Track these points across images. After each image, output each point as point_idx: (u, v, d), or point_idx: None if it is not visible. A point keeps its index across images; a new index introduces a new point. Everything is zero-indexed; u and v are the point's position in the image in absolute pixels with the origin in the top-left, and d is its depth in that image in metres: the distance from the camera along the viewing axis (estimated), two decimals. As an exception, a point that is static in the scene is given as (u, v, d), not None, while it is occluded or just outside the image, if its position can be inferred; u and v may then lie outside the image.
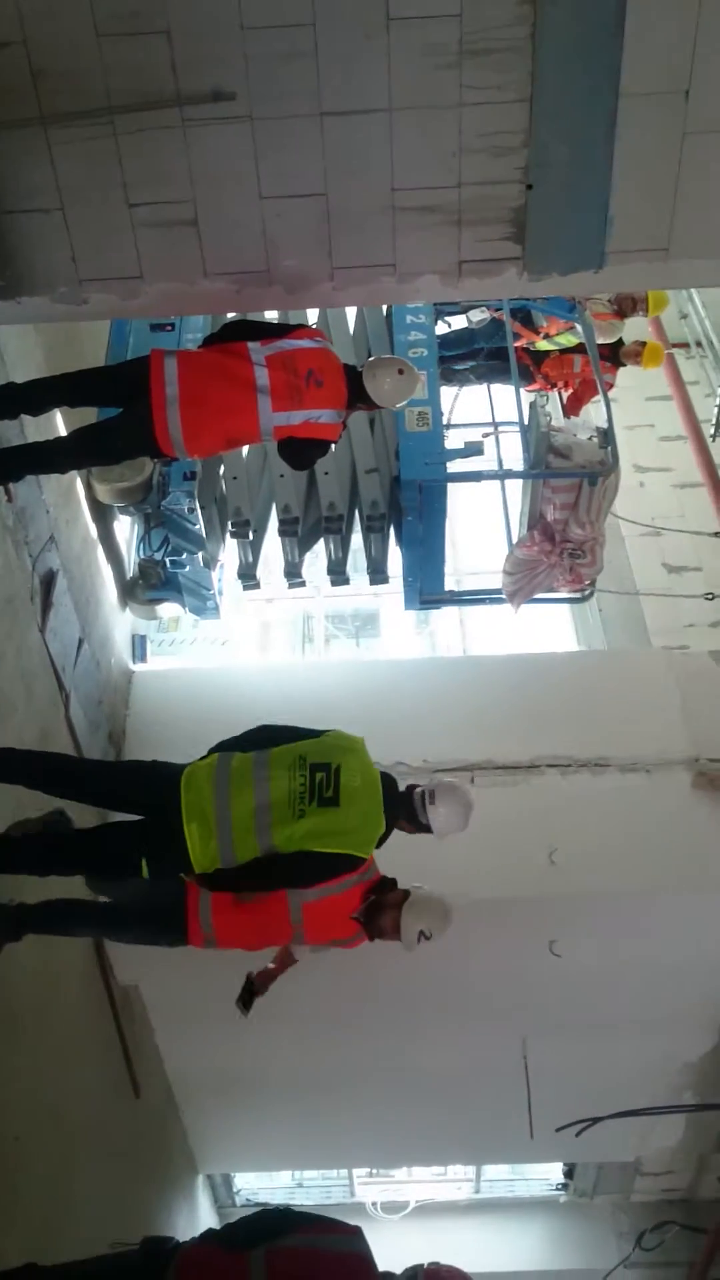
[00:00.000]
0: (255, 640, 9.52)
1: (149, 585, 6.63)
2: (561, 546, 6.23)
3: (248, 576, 6.78)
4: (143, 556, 6.56)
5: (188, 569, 6.55)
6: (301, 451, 4.73)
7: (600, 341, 7.49)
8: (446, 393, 7.42)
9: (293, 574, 6.76)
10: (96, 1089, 5.84)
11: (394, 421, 6.35)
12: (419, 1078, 7.11)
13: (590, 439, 6.19)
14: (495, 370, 7.88)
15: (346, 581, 6.88)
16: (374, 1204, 9.78)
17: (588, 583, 6.52)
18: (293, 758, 4.01)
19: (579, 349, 7.77)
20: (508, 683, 6.66)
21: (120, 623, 6.62)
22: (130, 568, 6.69)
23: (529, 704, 6.47)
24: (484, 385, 8.00)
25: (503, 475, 6.52)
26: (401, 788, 4.23)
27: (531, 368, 7.75)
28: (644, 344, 8.06)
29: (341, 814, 3.93)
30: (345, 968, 6.02)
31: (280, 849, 3.90)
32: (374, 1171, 10.03)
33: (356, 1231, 3.81)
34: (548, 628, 8.86)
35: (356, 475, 6.47)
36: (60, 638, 5.33)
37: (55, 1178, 5.10)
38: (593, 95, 3.72)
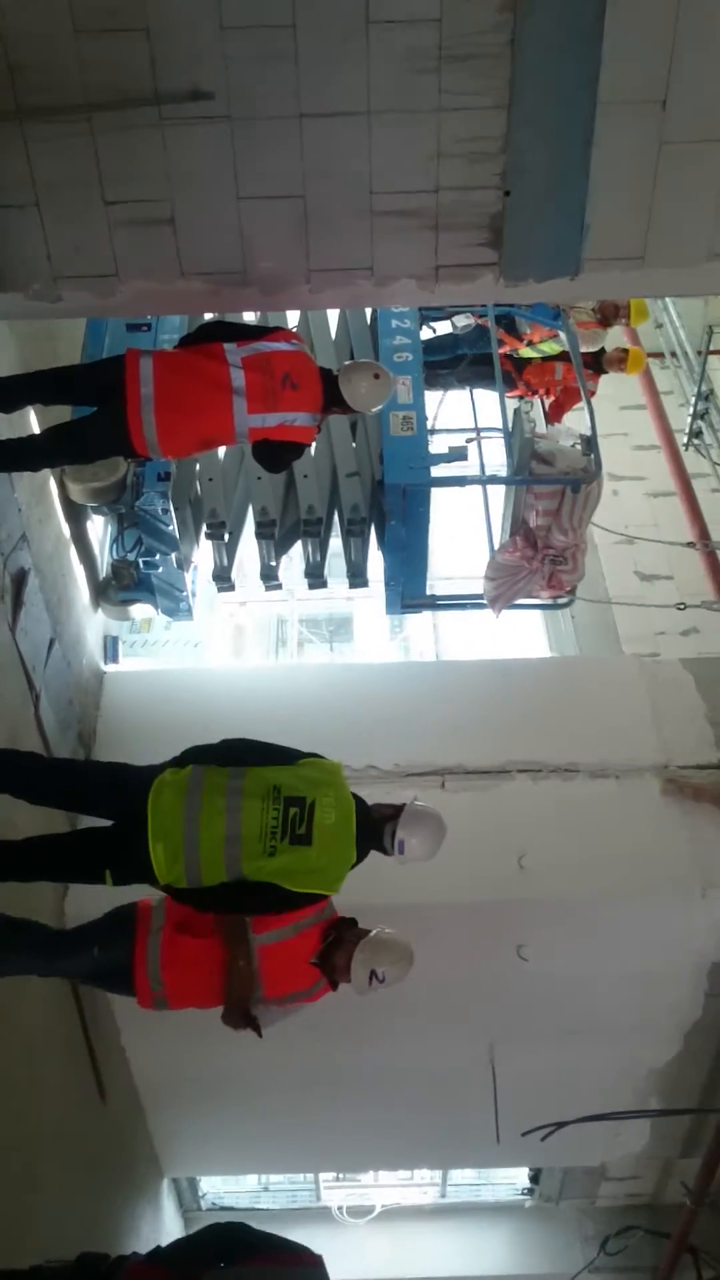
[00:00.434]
0: (228, 643, 9.50)
1: (122, 586, 6.59)
2: (544, 553, 6.24)
3: (222, 578, 6.76)
4: (116, 557, 6.53)
5: (161, 570, 6.53)
6: (276, 454, 4.73)
7: (583, 350, 7.52)
8: (431, 397, 7.43)
9: (269, 577, 6.75)
10: (62, 1092, 5.80)
11: (378, 425, 6.34)
12: (386, 1082, 7.10)
13: (574, 446, 6.22)
14: (478, 375, 7.90)
15: (324, 585, 6.87)
16: (340, 1208, 9.76)
17: (569, 589, 6.53)
18: (266, 787, 3.90)
19: (561, 357, 7.80)
20: (480, 688, 6.67)
21: (92, 623, 6.59)
22: (103, 568, 6.66)
23: (501, 709, 6.49)
24: (466, 390, 8.01)
25: (487, 480, 6.54)
26: (371, 804, 4.14)
27: (513, 374, 7.78)
28: (626, 350, 8.11)
29: (314, 853, 3.87)
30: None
31: (249, 877, 3.86)
32: (340, 1176, 10.01)
33: (317, 1263, 3.75)
34: (520, 634, 8.89)
35: (337, 479, 6.46)
36: (31, 637, 5.30)
37: (19, 1181, 5.07)
38: (571, 103, 3.73)
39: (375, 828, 4.08)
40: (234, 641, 9.64)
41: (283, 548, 6.63)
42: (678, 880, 5.92)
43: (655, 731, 6.43)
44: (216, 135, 3.79)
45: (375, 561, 6.74)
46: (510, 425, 6.51)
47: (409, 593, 6.65)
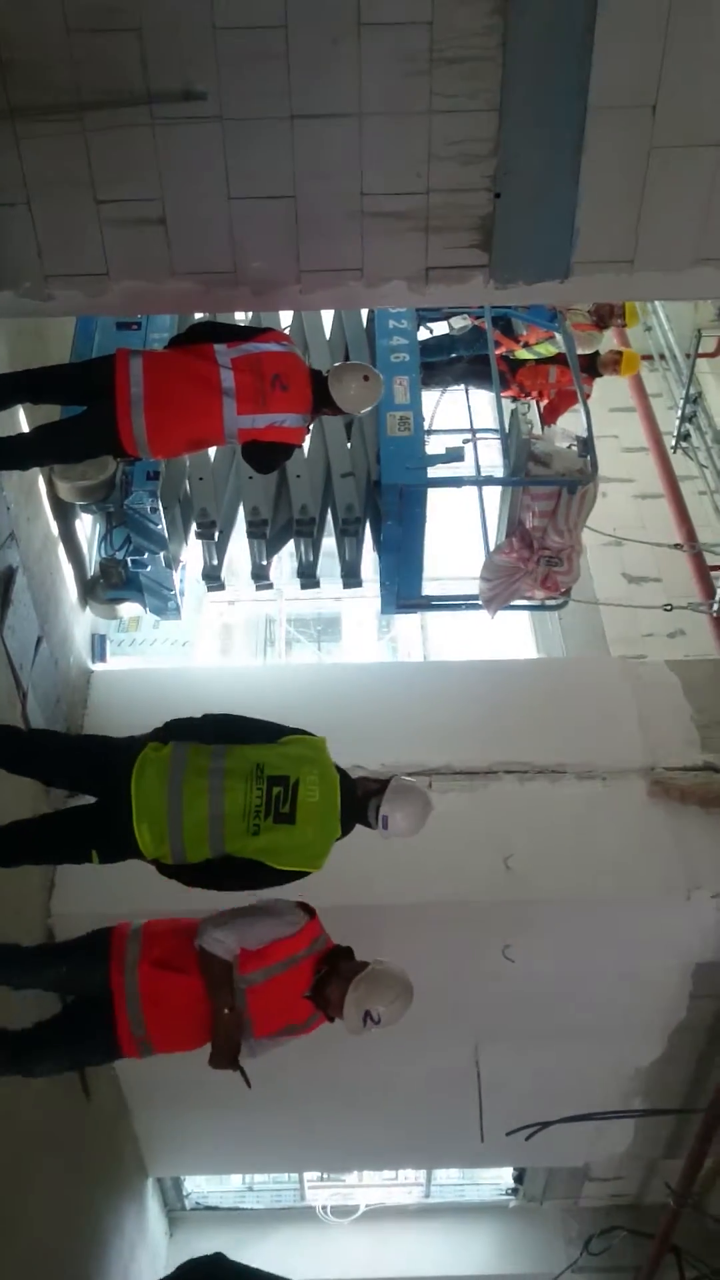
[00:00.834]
0: (216, 642, 9.49)
1: (110, 584, 6.59)
2: (539, 554, 6.26)
3: (212, 578, 6.75)
4: (104, 555, 6.52)
5: (149, 569, 6.52)
6: (266, 455, 4.73)
7: (579, 352, 7.55)
8: (427, 398, 7.44)
9: (260, 576, 6.74)
10: (47, 1091, 5.79)
11: (375, 426, 6.35)
12: (370, 1081, 7.11)
13: (570, 447, 6.23)
14: (473, 373, 7.92)
15: (317, 585, 6.87)
16: (324, 1208, 9.75)
17: (564, 590, 6.55)
18: (250, 766, 3.89)
19: (556, 359, 7.83)
20: (467, 689, 6.68)
21: (80, 622, 6.58)
22: (91, 566, 6.65)
23: (488, 710, 6.49)
24: (462, 387, 8.03)
25: (484, 481, 6.56)
26: (357, 778, 4.12)
27: (507, 375, 7.80)
28: (620, 352, 8.14)
29: (297, 831, 3.87)
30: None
31: (234, 854, 3.87)
32: (324, 1175, 10.01)
33: None
34: (508, 635, 8.90)
35: (331, 478, 6.47)
36: (18, 635, 5.29)
37: (3, 1179, 5.06)
38: (561, 107, 3.75)
39: (360, 803, 4.05)
40: (222, 641, 9.64)
41: (274, 547, 6.63)
42: (663, 882, 5.94)
43: (642, 733, 6.45)
44: (208, 135, 3.80)
45: (368, 561, 6.75)
46: (507, 426, 6.53)
47: (404, 593, 6.65)
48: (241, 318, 6.49)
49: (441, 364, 7.95)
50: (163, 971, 3.88)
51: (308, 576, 6.75)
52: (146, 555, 6.44)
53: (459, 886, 5.88)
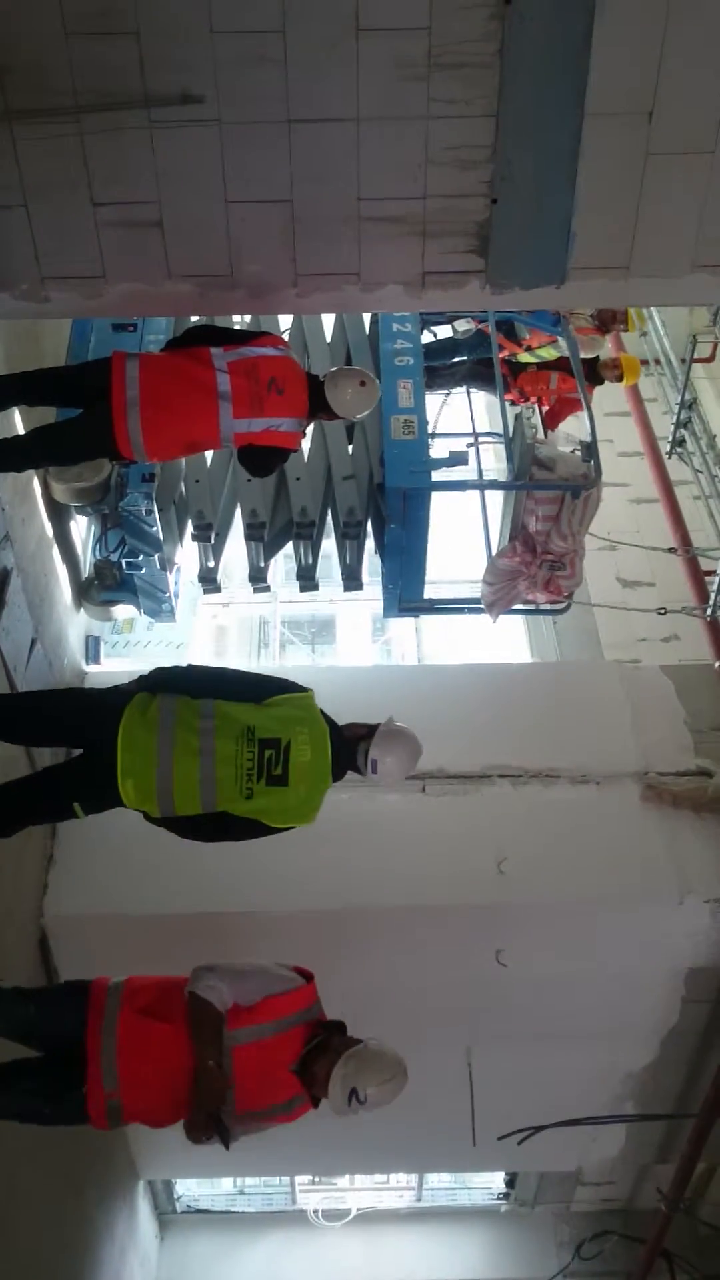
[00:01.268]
0: (210, 644, 9.49)
1: (104, 586, 6.59)
2: (542, 558, 6.26)
3: (208, 580, 6.76)
4: (99, 557, 6.52)
5: (144, 571, 6.52)
6: (261, 459, 4.74)
7: (582, 356, 7.56)
8: (431, 401, 7.45)
9: (257, 578, 6.75)
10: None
11: (378, 429, 6.36)
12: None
13: (573, 452, 6.24)
14: (476, 376, 7.94)
15: (316, 587, 6.88)
16: (315, 1211, 9.75)
17: (567, 595, 6.56)
18: (240, 729, 3.82)
19: (557, 364, 7.85)
20: (461, 692, 6.69)
21: (74, 623, 6.58)
22: (86, 568, 6.65)
23: (482, 714, 6.50)
24: (464, 389, 8.05)
25: (489, 485, 6.57)
26: (345, 724, 4.07)
27: (508, 379, 7.82)
28: (619, 358, 8.15)
29: (290, 792, 3.84)
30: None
31: (228, 813, 3.84)
32: (315, 1179, 10.00)
33: None
34: (502, 639, 8.91)
35: (331, 481, 6.47)
36: (12, 637, 5.29)
37: (-6, 1182, 5.06)
38: (558, 113, 3.75)
39: (349, 749, 4.00)
40: (216, 642, 9.64)
41: (272, 550, 6.64)
42: (656, 886, 5.95)
43: (635, 738, 6.45)
44: (205, 139, 3.80)
45: (367, 564, 6.75)
46: (510, 431, 6.54)
47: (407, 596, 6.65)
48: (240, 321, 6.50)
49: (444, 367, 7.96)
50: (145, 1019, 3.69)
51: (307, 579, 6.75)
52: (141, 557, 6.44)
53: (452, 890, 5.89)
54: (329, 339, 7.13)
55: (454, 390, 7.94)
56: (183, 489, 6.60)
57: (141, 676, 4.00)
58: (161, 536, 6.36)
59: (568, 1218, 9.45)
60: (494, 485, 6.62)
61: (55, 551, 6.13)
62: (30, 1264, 5.60)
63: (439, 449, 6.55)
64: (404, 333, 6.86)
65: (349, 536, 6.48)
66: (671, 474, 8.53)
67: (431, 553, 6.42)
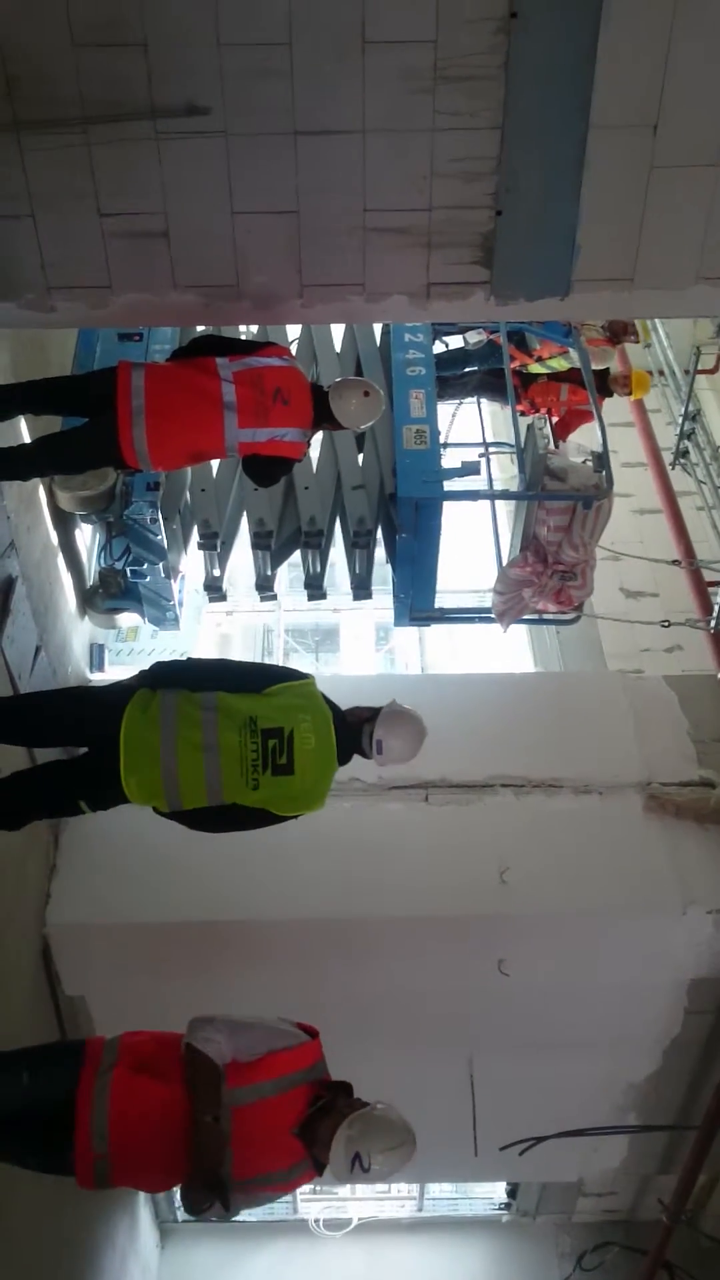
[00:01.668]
0: (214, 652, 9.50)
1: (108, 594, 6.60)
2: (553, 568, 6.27)
3: (214, 588, 6.77)
4: (103, 565, 6.53)
5: (148, 579, 6.53)
6: (266, 468, 4.75)
7: (594, 368, 7.58)
8: (443, 411, 7.47)
9: (264, 587, 6.76)
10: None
11: (390, 439, 6.38)
12: (363, 1094, 7.08)
13: (585, 462, 6.26)
14: (487, 387, 7.96)
15: (324, 596, 6.90)
16: (316, 1221, 9.73)
17: (577, 605, 6.56)
18: (242, 720, 3.79)
19: (568, 376, 7.87)
20: (464, 702, 6.68)
21: (78, 631, 6.59)
22: (90, 576, 6.66)
23: (485, 724, 6.50)
24: (475, 399, 8.07)
25: (502, 495, 6.58)
26: (348, 708, 4.04)
27: (519, 390, 7.83)
28: (628, 371, 8.17)
29: (296, 781, 3.80)
30: (289, 983, 6.02)
31: (236, 804, 3.82)
32: (316, 1188, 9.98)
33: None
34: (505, 649, 8.91)
35: (340, 490, 6.48)
36: (17, 645, 5.30)
37: (-6, 1190, 5.05)
38: (563, 125, 3.77)
39: (354, 732, 3.97)
40: (220, 651, 9.65)
41: (279, 558, 6.65)
42: (659, 897, 5.94)
43: (638, 748, 6.45)
44: (212, 150, 3.82)
45: (377, 573, 6.77)
46: (522, 441, 6.55)
47: (418, 605, 6.67)
48: (253, 330, 6.52)
49: (455, 377, 7.99)
50: (140, 1077, 3.45)
51: (314, 588, 6.76)
52: (146, 565, 6.45)
53: (455, 899, 5.88)
54: (339, 349, 7.15)
55: (465, 400, 7.96)
56: (188, 497, 6.61)
57: (142, 672, 3.99)
58: (166, 545, 6.37)
59: (569, 1228, 9.43)
60: (507, 495, 6.65)
61: (60, 559, 6.15)
62: (31, 1272, 5.59)
63: (450, 459, 6.57)
64: (416, 343, 6.89)
65: (359, 546, 6.49)
66: (675, 485, 8.54)
67: (441, 562, 6.44)
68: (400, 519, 6.14)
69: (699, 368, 8.94)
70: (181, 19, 3.56)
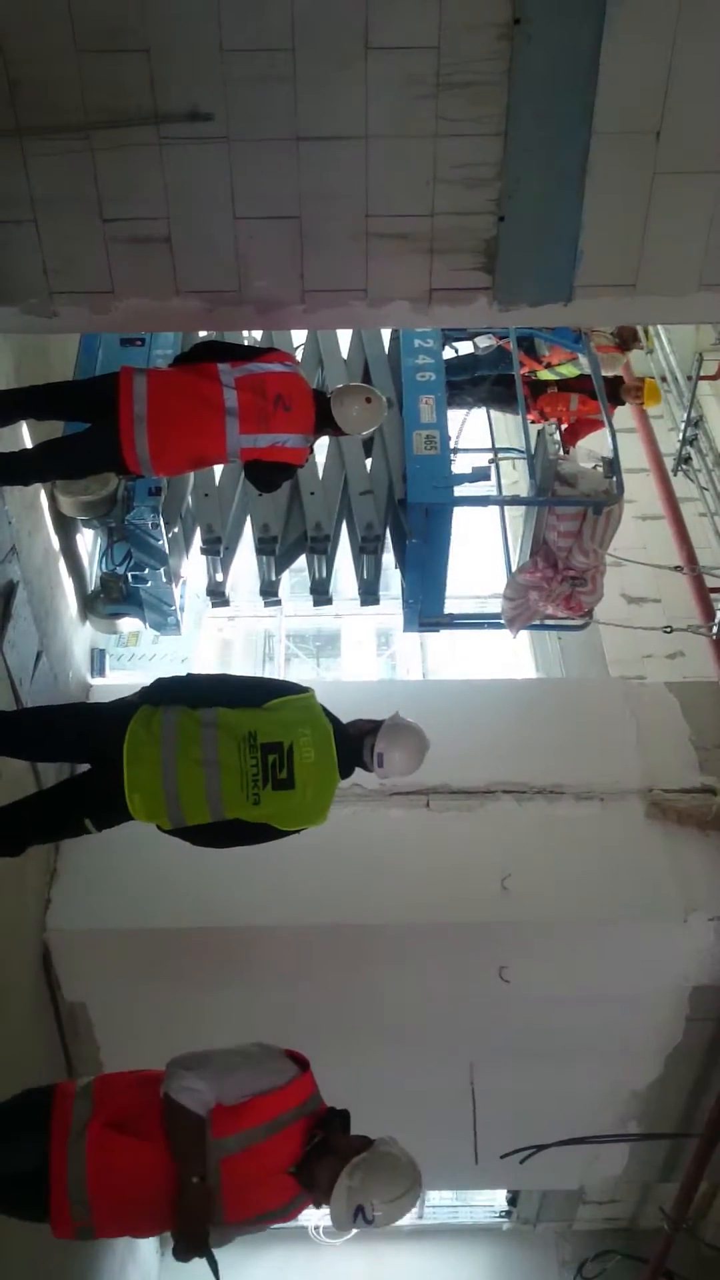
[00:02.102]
0: (215, 657, 9.50)
1: (110, 599, 6.59)
2: (564, 574, 6.27)
3: (216, 594, 6.76)
4: (104, 570, 6.52)
5: (149, 584, 6.53)
6: (268, 474, 4.75)
7: (603, 374, 7.58)
8: (453, 417, 7.46)
9: (269, 592, 6.75)
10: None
11: (400, 444, 6.38)
12: (364, 1101, 7.02)
13: (595, 468, 6.25)
14: (495, 396, 7.97)
15: (330, 602, 6.89)
16: (316, 1228, 9.69)
17: (586, 610, 6.55)
18: (242, 735, 3.77)
19: (577, 383, 7.87)
20: (466, 708, 6.67)
21: (80, 636, 6.58)
22: (92, 581, 6.66)
23: (487, 730, 6.49)
24: (484, 410, 8.07)
25: (512, 501, 6.57)
26: (350, 721, 4.02)
27: (528, 399, 7.83)
28: (642, 381, 8.18)
29: (297, 795, 3.78)
30: (290, 990, 6.01)
31: (239, 819, 3.81)
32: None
33: None
34: (507, 654, 8.90)
35: (348, 496, 6.48)
36: (18, 649, 5.29)
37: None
38: (566, 132, 3.78)
39: (355, 745, 3.95)
40: (221, 656, 9.64)
41: (283, 564, 6.64)
42: (660, 904, 5.93)
43: (640, 754, 6.44)
44: (214, 155, 3.82)
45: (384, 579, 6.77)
46: (533, 447, 6.54)
47: (427, 611, 6.66)
48: (256, 335, 6.52)
49: (465, 383, 7.99)
50: (118, 1136, 3.13)
51: (321, 594, 6.75)
52: (147, 570, 6.45)
53: (455, 907, 5.87)
54: (346, 354, 7.15)
55: (474, 408, 7.97)
56: (189, 502, 6.60)
57: (143, 689, 3.98)
58: (167, 550, 6.37)
59: (570, 1236, 9.40)
60: (518, 501, 6.64)
61: (61, 564, 6.14)
62: (31, 1276, 5.57)
63: (460, 464, 6.57)
64: (426, 348, 6.89)
65: (367, 551, 6.48)
66: (677, 491, 8.53)
67: (451, 568, 6.44)
68: (410, 524, 6.13)
69: (701, 374, 8.93)
70: (184, 25, 3.57)
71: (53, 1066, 6.03)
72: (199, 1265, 3.15)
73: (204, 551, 6.51)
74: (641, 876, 6.00)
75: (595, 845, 6.08)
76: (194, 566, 6.98)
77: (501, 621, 6.67)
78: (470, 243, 4.05)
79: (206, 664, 8.96)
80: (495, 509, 6.73)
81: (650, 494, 8.69)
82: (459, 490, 6.12)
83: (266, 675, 8.81)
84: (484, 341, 7.88)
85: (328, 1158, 3.13)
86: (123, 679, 7.27)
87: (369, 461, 6.64)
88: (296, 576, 7.43)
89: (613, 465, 6.20)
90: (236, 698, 3.93)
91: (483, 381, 7.94)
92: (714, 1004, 6.43)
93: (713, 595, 7.61)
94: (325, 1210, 3.15)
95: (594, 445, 7.07)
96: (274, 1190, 3.17)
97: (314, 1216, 9.65)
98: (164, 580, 6.51)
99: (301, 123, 3.76)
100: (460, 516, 6.19)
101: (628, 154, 3.84)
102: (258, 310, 4.25)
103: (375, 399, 4.67)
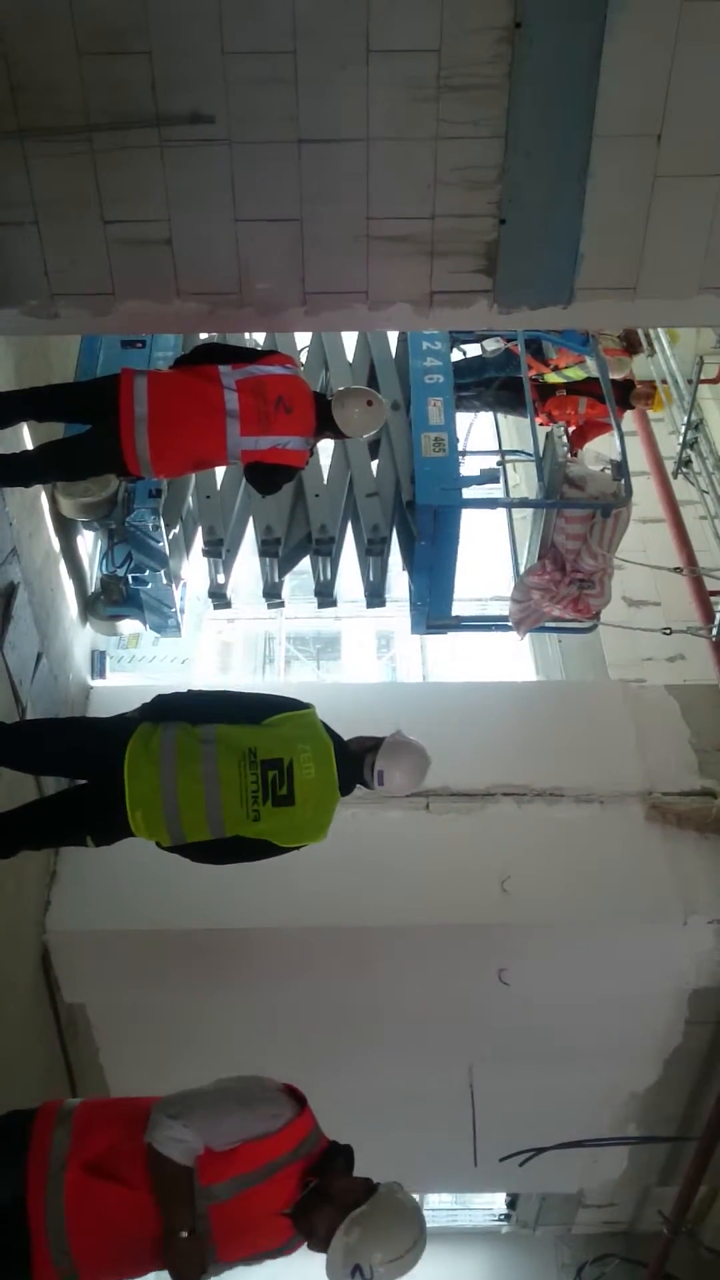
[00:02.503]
0: (216, 660, 9.50)
1: (110, 601, 6.59)
2: (572, 576, 6.27)
3: (218, 596, 6.76)
4: (105, 572, 6.53)
5: (150, 586, 6.53)
6: (268, 476, 4.75)
7: (610, 377, 7.58)
8: (461, 421, 7.45)
9: (272, 594, 6.75)
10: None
11: (408, 446, 6.38)
12: (363, 1103, 7.05)
13: (603, 470, 6.25)
14: (502, 400, 7.97)
15: (334, 604, 6.90)
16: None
17: (594, 613, 6.55)
18: (242, 752, 3.77)
19: (585, 386, 7.87)
20: (466, 710, 6.67)
21: (80, 638, 6.58)
22: (92, 583, 6.66)
23: (486, 732, 6.49)
24: (491, 413, 8.08)
25: (521, 503, 6.57)
26: (351, 738, 4.01)
27: (536, 402, 7.83)
28: (653, 385, 8.18)
29: (298, 811, 3.77)
30: (289, 992, 6.01)
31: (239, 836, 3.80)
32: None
33: None
34: (507, 657, 8.90)
35: (354, 498, 6.48)
36: (18, 651, 5.29)
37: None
38: (567, 135, 3.78)
39: (356, 761, 3.94)
40: (221, 658, 9.64)
41: (286, 566, 6.64)
42: (660, 906, 5.93)
43: (640, 757, 6.44)
44: (216, 158, 3.83)
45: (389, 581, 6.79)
46: (541, 449, 6.55)
47: (435, 614, 6.65)
48: (259, 337, 6.52)
49: (473, 385, 7.99)
50: (98, 1181, 2.92)
51: (325, 596, 6.75)
52: (147, 572, 6.45)
53: (455, 909, 5.86)
54: (351, 357, 7.15)
55: (480, 412, 7.97)
56: (190, 504, 6.61)
57: (143, 705, 3.97)
58: (168, 552, 6.37)
59: (569, 1240, 9.38)
60: (526, 503, 6.64)
61: (61, 566, 6.14)
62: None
63: (468, 466, 6.57)
64: (434, 350, 6.89)
65: (373, 553, 6.48)
66: (677, 494, 8.52)
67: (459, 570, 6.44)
68: (419, 526, 6.14)
69: (702, 377, 8.94)
70: (186, 28, 3.57)
71: (52, 1068, 6.03)
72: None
73: (206, 553, 6.52)
74: (641, 879, 6.00)
75: (595, 848, 6.08)
76: (194, 568, 6.98)
77: (509, 624, 6.67)
78: (471, 245, 4.05)
79: (207, 666, 8.97)
80: (503, 511, 6.73)
81: (651, 497, 8.69)
82: (467, 493, 6.13)
83: (268, 685, 8.89)
84: (492, 344, 7.89)
85: (325, 1206, 2.93)
86: (123, 681, 7.28)
87: (375, 464, 6.64)
88: (298, 579, 7.43)
89: (621, 468, 6.20)
90: (237, 714, 3.92)
91: (490, 384, 7.95)
92: (713, 1007, 6.43)
93: (713, 598, 7.61)
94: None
95: (601, 448, 7.07)
96: (269, 1232, 3.01)
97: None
98: (164, 582, 6.51)
99: (303, 125, 3.76)
100: (466, 519, 6.20)
101: (629, 157, 3.84)
102: (258, 312, 4.26)
103: (376, 402, 4.68)
